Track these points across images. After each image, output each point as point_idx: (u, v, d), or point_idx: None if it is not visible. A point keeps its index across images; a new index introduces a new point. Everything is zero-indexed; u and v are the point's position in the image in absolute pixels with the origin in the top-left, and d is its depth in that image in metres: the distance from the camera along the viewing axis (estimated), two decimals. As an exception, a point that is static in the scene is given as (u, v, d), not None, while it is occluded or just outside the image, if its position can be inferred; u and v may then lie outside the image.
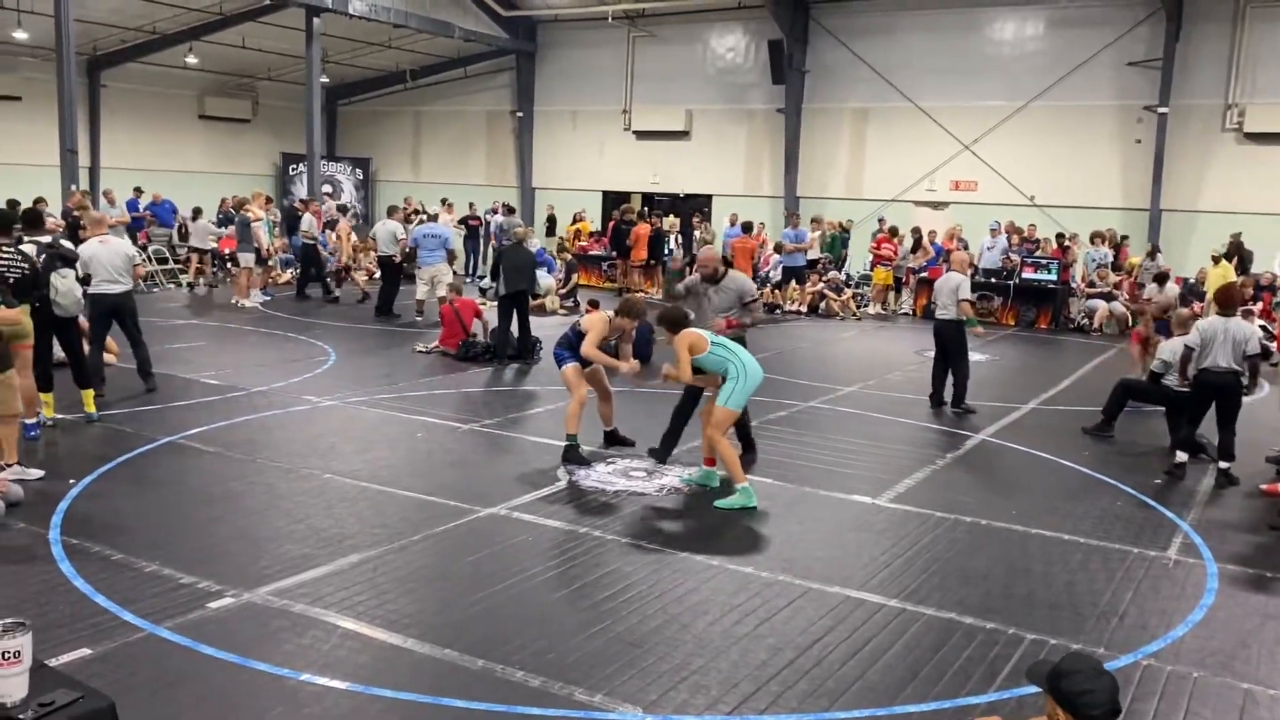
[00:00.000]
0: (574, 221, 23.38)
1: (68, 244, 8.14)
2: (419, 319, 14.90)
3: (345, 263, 17.82)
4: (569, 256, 18.57)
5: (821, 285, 18.22)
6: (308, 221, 17.00)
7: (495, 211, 21.59)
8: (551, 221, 23.78)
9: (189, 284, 18.07)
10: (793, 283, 18.01)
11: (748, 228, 18.83)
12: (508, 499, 6.52)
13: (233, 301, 15.94)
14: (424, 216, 19.95)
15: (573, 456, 7.38)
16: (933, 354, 10.40)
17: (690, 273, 9.24)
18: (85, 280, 7.96)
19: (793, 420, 9.29)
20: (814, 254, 18.70)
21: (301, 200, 20.39)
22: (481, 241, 21.55)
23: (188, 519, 5.98)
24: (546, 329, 14.37)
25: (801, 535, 6.09)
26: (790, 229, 18.09)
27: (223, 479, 6.78)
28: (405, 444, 7.97)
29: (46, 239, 7.76)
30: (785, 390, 10.66)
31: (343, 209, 23.80)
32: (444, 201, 22.22)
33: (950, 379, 10.02)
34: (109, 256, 8.68)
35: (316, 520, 6.02)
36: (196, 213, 19.20)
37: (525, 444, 8.08)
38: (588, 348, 7.48)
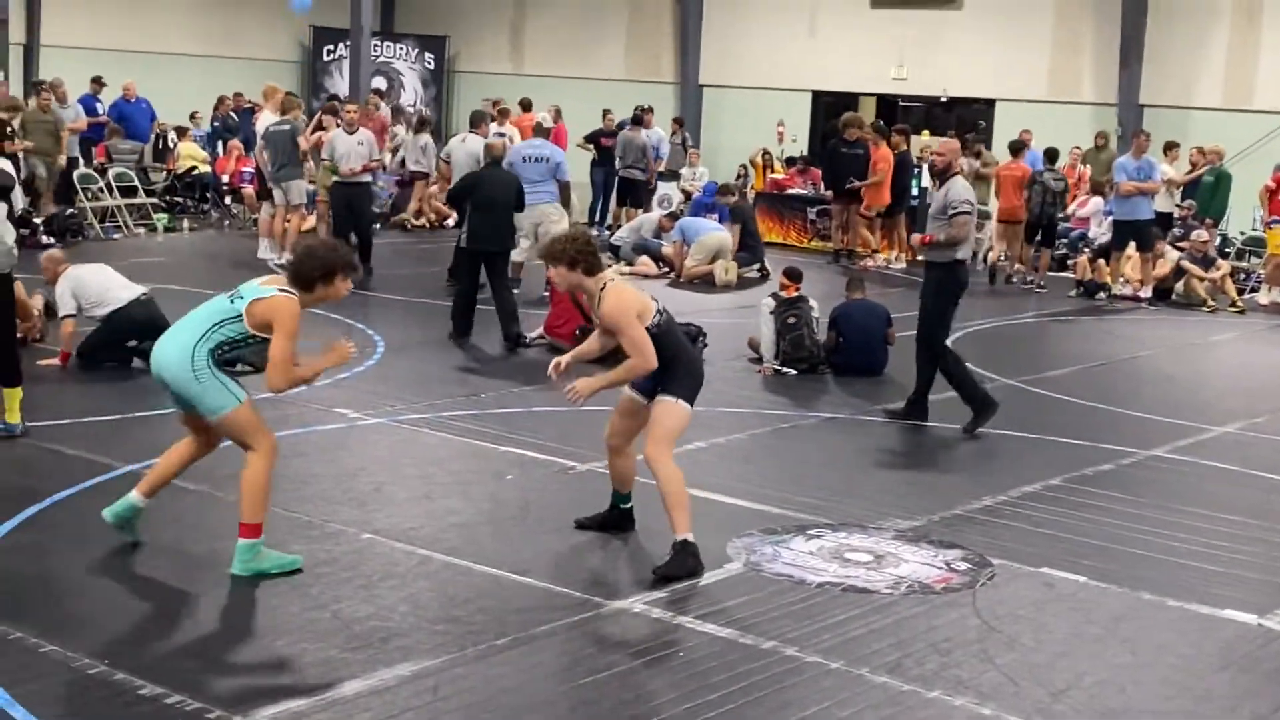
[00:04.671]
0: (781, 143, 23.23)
1: (2, 162, 8.57)
2: (515, 291, 15.08)
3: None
4: (733, 199, 18.55)
5: (1179, 255, 17.57)
6: (359, 145, 15.99)
7: (642, 124, 21.72)
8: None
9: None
10: (1130, 247, 17.41)
11: (1051, 156, 18.56)
12: (647, 588, 6.53)
13: (262, 256, 16.56)
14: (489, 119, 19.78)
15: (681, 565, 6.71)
16: None
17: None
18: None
19: (1122, 479, 9.04)
20: (1163, 202, 18.06)
21: (337, 100, 21.04)
22: (618, 168, 21.79)
23: (154, 595, 6.19)
24: (714, 313, 14.39)
25: (1134, 673, 5.91)
26: (1130, 158, 17.42)
27: (210, 534, 6.98)
28: (488, 490, 8.08)
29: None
30: (1110, 427, 10.44)
31: (399, 112, 24.37)
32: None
33: None
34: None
35: (349, 605, 6.13)
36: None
37: (677, 499, 8.06)
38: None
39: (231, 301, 6.41)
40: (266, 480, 6.41)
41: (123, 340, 10.59)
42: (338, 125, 16.80)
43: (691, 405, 6.81)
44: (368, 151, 16.13)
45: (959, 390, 10.11)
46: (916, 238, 10.70)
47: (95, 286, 10.60)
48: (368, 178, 16.53)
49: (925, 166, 20.90)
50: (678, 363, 6.77)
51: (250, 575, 6.32)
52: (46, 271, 10.89)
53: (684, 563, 6.63)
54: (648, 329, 6.62)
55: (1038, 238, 18.14)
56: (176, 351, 6.36)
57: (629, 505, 7.28)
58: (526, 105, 22.28)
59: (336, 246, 6.72)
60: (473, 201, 12.84)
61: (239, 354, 6.39)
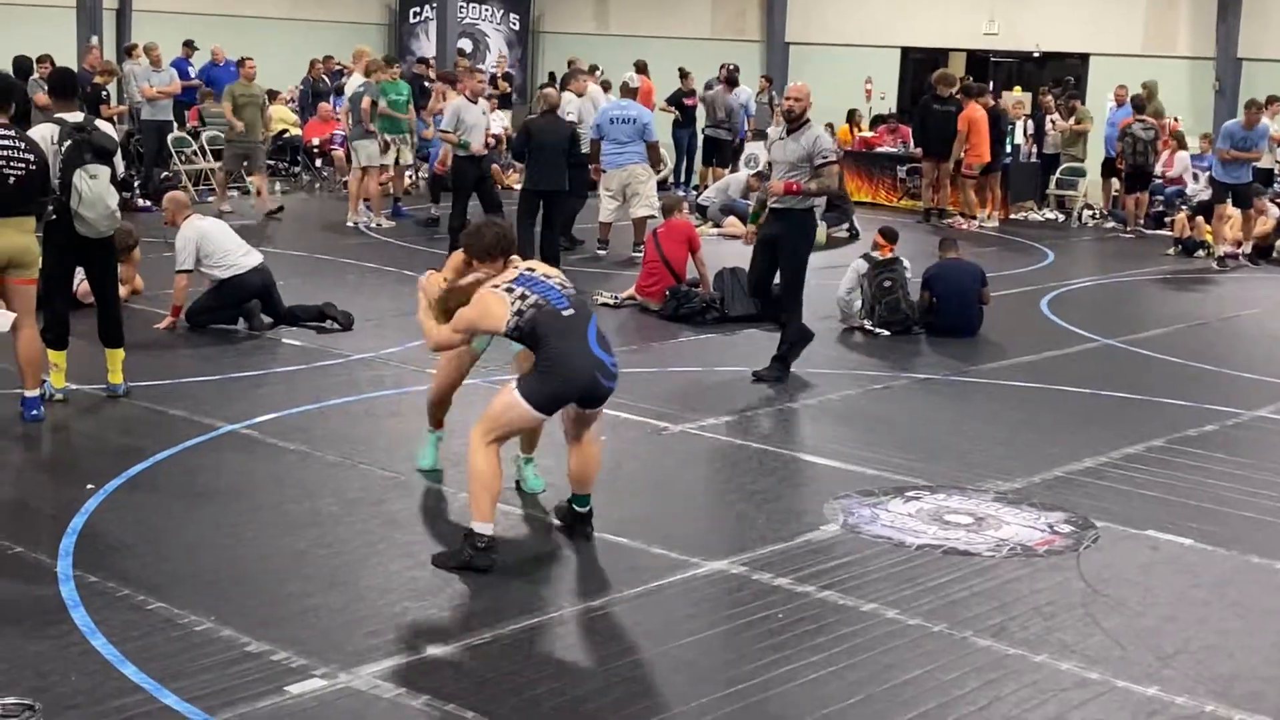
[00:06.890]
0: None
1: (105, 125, 8.62)
2: (603, 252, 15.12)
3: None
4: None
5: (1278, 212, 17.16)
6: (482, 116, 14.73)
7: (727, 82, 21.53)
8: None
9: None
10: (1228, 206, 17.04)
11: (1139, 105, 19.03)
12: (742, 548, 6.50)
13: (349, 222, 16.62)
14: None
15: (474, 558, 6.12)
16: None
17: None
18: None
19: (1227, 440, 8.85)
20: (1264, 159, 17.65)
21: (425, 63, 21.01)
22: (698, 130, 21.58)
23: (257, 554, 6.26)
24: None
25: (1243, 638, 5.79)
26: (1238, 123, 16.87)
27: (309, 493, 7.06)
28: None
29: (76, 117, 8.23)
30: (1213, 387, 10.24)
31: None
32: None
33: None
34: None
35: (447, 565, 6.19)
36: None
37: (770, 460, 8.05)
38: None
39: None
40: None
41: (234, 306, 10.68)
42: (461, 94, 15.06)
43: (536, 409, 6.07)
44: (486, 122, 15.13)
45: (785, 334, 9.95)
46: (779, 185, 9.52)
47: (220, 244, 10.55)
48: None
49: (1018, 124, 20.65)
50: (537, 357, 6.19)
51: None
52: (166, 212, 10.76)
53: (459, 553, 6.06)
54: (506, 334, 6.16)
55: (1135, 187, 18.83)
56: None
57: (585, 508, 6.51)
58: (640, 67, 21.37)
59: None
60: (528, 148, 13.83)
61: None
